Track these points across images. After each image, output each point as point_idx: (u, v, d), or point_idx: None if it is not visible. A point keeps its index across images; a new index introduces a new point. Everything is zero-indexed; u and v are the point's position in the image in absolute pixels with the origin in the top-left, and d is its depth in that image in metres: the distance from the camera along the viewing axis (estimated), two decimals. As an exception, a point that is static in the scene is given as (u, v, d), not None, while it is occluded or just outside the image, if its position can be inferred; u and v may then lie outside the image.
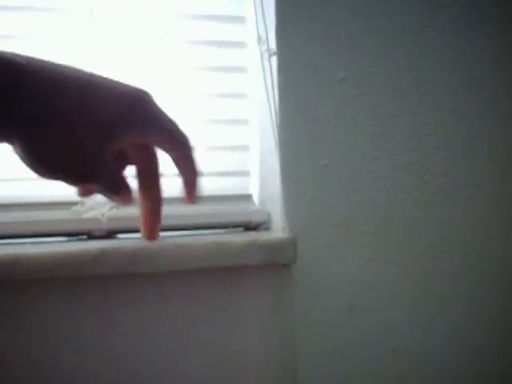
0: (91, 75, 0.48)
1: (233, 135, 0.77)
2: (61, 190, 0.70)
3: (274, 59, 0.71)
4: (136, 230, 0.71)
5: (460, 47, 0.78)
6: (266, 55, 0.72)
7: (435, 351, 0.77)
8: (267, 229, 0.75)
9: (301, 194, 0.71)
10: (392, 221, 0.75)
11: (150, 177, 0.58)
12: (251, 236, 0.68)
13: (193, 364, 0.68)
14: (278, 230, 0.72)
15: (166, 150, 0.55)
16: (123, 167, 0.58)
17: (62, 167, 0.47)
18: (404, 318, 0.76)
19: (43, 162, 0.46)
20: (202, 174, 0.59)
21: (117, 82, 0.50)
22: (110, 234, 0.70)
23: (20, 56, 0.43)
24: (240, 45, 0.76)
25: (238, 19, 0.76)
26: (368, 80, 0.74)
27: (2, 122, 0.42)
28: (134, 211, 0.70)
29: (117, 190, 0.53)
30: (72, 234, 0.69)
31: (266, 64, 0.72)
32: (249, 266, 0.67)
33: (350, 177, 0.73)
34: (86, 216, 0.69)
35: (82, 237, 0.70)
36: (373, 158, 0.74)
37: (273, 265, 0.68)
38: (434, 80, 0.77)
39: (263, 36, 0.72)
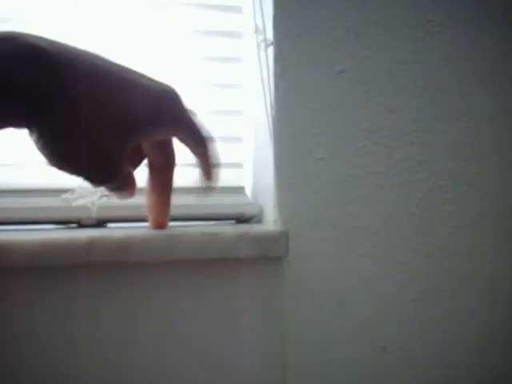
0: (122, 71, 0.45)
1: (226, 126, 0.76)
2: (51, 178, 0.69)
3: (271, 50, 0.70)
4: (126, 219, 0.70)
5: (460, 42, 0.77)
6: (262, 45, 0.71)
7: (426, 348, 0.77)
8: (259, 222, 0.74)
9: (294, 188, 0.71)
10: (386, 216, 0.74)
11: (163, 172, 0.56)
12: (243, 228, 0.67)
13: (181, 354, 0.67)
14: (271, 223, 0.71)
15: (190, 147, 0.55)
16: (137, 162, 0.56)
17: (76, 164, 0.45)
18: (395, 315, 0.75)
19: (58, 156, 0.44)
20: (219, 167, 0.59)
21: (146, 78, 0.48)
22: (100, 223, 0.69)
23: (45, 40, 0.41)
24: (236, 35, 0.75)
25: (235, 9, 0.75)
26: (366, 73, 0.73)
27: (22, 109, 0.40)
28: (124, 200, 0.69)
29: (125, 186, 0.51)
30: (62, 222, 0.68)
31: (263, 55, 0.71)
32: (240, 259, 0.66)
33: (345, 171, 0.73)
34: (75, 204, 0.68)
35: (71, 225, 0.69)
36: (369, 152, 0.73)
37: (264, 258, 0.67)
38: (433, 75, 0.76)
39: (260, 26, 0.71)
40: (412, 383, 0.76)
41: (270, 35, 0.70)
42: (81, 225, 0.68)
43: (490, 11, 0.78)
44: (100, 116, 0.43)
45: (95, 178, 0.47)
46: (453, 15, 0.77)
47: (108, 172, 0.46)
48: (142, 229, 0.67)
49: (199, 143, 0.54)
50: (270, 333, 0.70)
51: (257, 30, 0.71)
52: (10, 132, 0.44)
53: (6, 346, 0.62)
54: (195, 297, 0.67)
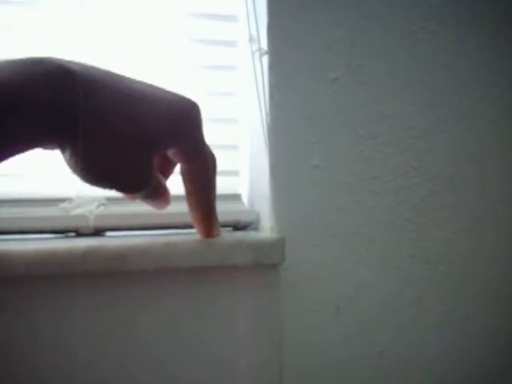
0: (144, 85, 0.49)
1: (222, 134, 0.77)
2: (48, 187, 0.70)
3: (265, 58, 0.71)
4: (124, 228, 0.71)
5: (452, 49, 0.78)
6: (257, 54, 0.71)
7: (423, 353, 0.77)
8: (256, 229, 0.74)
9: (290, 195, 0.71)
10: (382, 222, 0.75)
11: (197, 184, 0.57)
12: (239, 236, 0.68)
13: (180, 363, 0.68)
14: (267, 230, 0.72)
15: (193, 170, 0.56)
16: (168, 171, 0.58)
17: (109, 177, 0.47)
18: (392, 320, 0.75)
19: (92, 171, 0.46)
20: (214, 205, 0.60)
21: (169, 93, 0.51)
22: (98, 232, 0.70)
23: (74, 63, 0.44)
24: (231, 43, 0.76)
25: (230, 18, 0.76)
26: (360, 80, 0.74)
27: (55, 128, 0.42)
28: (121, 209, 0.70)
29: (157, 195, 0.54)
30: (59, 231, 0.69)
31: (257, 63, 0.71)
32: (236, 266, 0.67)
33: (340, 177, 0.73)
34: (73, 213, 0.68)
35: (69, 234, 0.69)
36: (363, 158, 0.74)
37: (261, 265, 0.68)
38: (427, 81, 0.77)
39: (255, 35, 0.72)
40: (409, 387, 0.77)
41: (264, 44, 0.70)
42: (79, 234, 0.69)
43: (481, 21, 0.79)
44: (127, 129, 0.46)
45: (127, 189, 0.50)
46: (446, 22, 0.77)
47: (138, 182, 0.50)
48: (139, 237, 0.67)
49: (204, 166, 0.56)
50: (267, 339, 0.70)
51: (251, 39, 0.72)
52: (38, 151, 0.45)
53: (5, 356, 0.62)
54: (192, 304, 0.68)
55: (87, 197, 0.69)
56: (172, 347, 0.67)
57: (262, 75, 0.71)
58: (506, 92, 0.80)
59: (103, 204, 0.69)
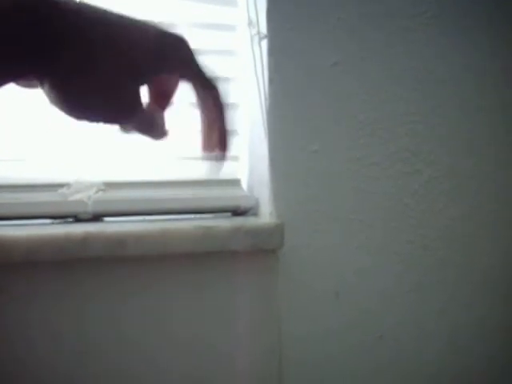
0: (127, 17, 0.48)
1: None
2: (46, 173, 0.70)
3: (265, 43, 0.70)
4: (123, 213, 0.71)
5: (454, 34, 0.77)
6: (256, 39, 0.71)
7: (422, 338, 0.77)
8: (255, 214, 0.74)
9: (289, 180, 0.71)
10: (381, 208, 0.75)
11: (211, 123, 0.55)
12: (238, 221, 0.68)
13: (180, 347, 0.68)
14: (266, 215, 0.71)
15: (197, 92, 0.54)
16: (164, 103, 0.56)
17: (93, 108, 0.46)
18: (391, 305, 0.76)
19: (73, 103, 0.45)
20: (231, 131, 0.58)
21: (153, 24, 0.49)
22: (97, 217, 0.69)
23: None
24: (230, 28, 0.75)
25: (229, 2, 0.75)
26: (360, 65, 0.73)
27: (32, 58, 0.41)
28: (120, 194, 0.70)
29: (151, 127, 0.52)
30: (58, 217, 0.69)
31: (256, 48, 0.71)
32: (235, 251, 0.67)
33: (340, 163, 0.73)
34: (71, 199, 0.68)
35: (68, 219, 0.69)
36: (363, 144, 0.74)
37: (259, 250, 0.68)
38: (428, 67, 0.76)
39: (254, 19, 0.71)
40: (409, 372, 0.77)
41: (263, 28, 0.70)
42: (77, 219, 0.69)
43: (484, 3, 0.78)
44: (106, 56, 0.45)
45: (111, 119, 0.48)
46: (447, 6, 0.77)
47: (122, 110, 0.48)
48: (137, 223, 0.67)
49: (207, 86, 0.53)
50: (266, 323, 0.71)
51: (250, 23, 0.71)
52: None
53: (3, 340, 0.63)
54: (191, 290, 0.68)
55: (86, 182, 0.69)
56: (171, 331, 0.68)
57: (262, 60, 0.70)
58: (507, 79, 0.80)
59: (102, 189, 0.69)
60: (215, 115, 0.54)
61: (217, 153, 0.54)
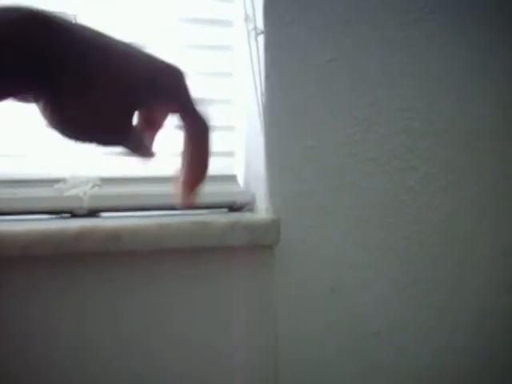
0: (126, 44, 0.48)
1: (218, 115, 0.76)
2: (42, 168, 0.69)
3: (261, 38, 0.70)
4: (118, 209, 0.70)
5: (451, 30, 0.77)
6: (252, 34, 0.71)
7: (419, 334, 0.77)
8: (251, 210, 0.74)
9: (286, 176, 0.71)
10: (377, 204, 0.75)
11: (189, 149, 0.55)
12: (234, 217, 0.68)
13: (176, 342, 0.68)
14: (262, 211, 0.71)
15: (187, 127, 0.54)
16: (154, 128, 0.56)
17: (86, 130, 0.46)
18: (387, 301, 0.76)
19: (67, 122, 0.45)
20: (208, 170, 0.58)
21: (151, 54, 0.50)
22: (93, 213, 0.69)
23: (51, 12, 0.43)
24: (226, 23, 0.75)
25: (226, -3, 0.75)
26: (356, 61, 0.73)
27: (28, 75, 0.42)
28: (116, 190, 0.70)
29: (140, 150, 0.52)
30: (54, 212, 0.69)
31: (253, 43, 0.71)
32: (232, 247, 0.67)
33: (336, 159, 0.73)
34: (67, 194, 0.68)
35: (64, 215, 0.69)
36: (359, 140, 0.74)
37: (256, 246, 0.68)
38: (424, 63, 0.76)
39: (250, 15, 0.71)
40: (405, 368, 0.77)
41: (260, 24, 0.70)
42: (73, 215, 0.69)
43: (482, 2, 0.78)
44: (102, 77, 0.45)
45: (103, 140, 0.48)
46: (444, 2, 0.77)
47: (114, 133, 0.48)
48: (133, 218, 0.67)
49: (198, 124, 0.54)
50: (262, 318, 0.71)
51: (247, 19, 0.71)
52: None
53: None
54: (187, 285, 0.68)
55: (81, 178, 0.69)
56: (167, 327, 0.68)
57: (258, 55, 0.70)
58: (503, 75, 0.80)
59: (98, 185, 0.69)
60: (198, 151, 0.54)
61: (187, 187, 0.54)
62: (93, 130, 0.47)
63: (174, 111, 0.53)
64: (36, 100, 0.45)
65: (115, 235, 0.62)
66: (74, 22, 0.45)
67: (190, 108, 0.53)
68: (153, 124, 0.57)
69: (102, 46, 0.46)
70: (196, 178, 0.57)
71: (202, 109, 0.54)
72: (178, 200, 0.56)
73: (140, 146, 0.54)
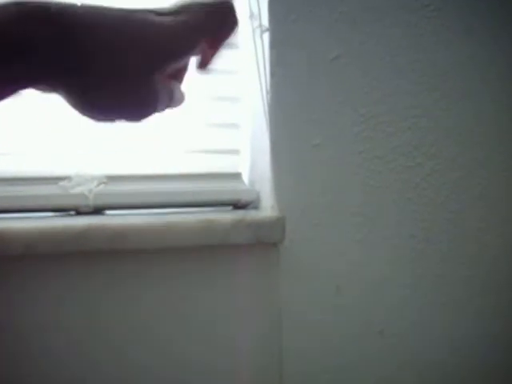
0: (133, 11, 0.47)
1: (223, 113, 0.76)
2: (48, 165, 0.70)
3: (267, 36, 0.70)
4: (124, 207, 0.70)
5: (457, 27, 0.77)
6: (257, 32, 0.70)
7: (423, 333, 0.77)
8: (256, 208, 0.74)
9: (291, 174, 0.71)
10: (383, 202, 0.74)
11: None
12: (239, 215, 0.68)
13: (181, 340, 0.68)
14: (267, 209, 0.71)
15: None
16: (180, 76, 0.56)
17: (118, 108, 0.46)
18: (392, 300, 0.75)
19: (93, 107, 0.45)
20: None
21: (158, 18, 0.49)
22: (98, 211, 0.69)
23: (51, 1, 0.42)
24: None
25: (231, -6, 0.74)
26: (362, 58, 0.73)
27: (44, 72, 0.41)
28: (121, 188, 0.70)
29: (171, 103, 0.52)
30: (59, 210, 0.69)
31: (258, 41, 0.71)
32: (237, 245, 0.67)
33: (342, 157, 0.73)
34: (73, 191, 0.68)
35: (69, 213, 0.69)
36: (365, 138, 0.73)
37: (260, 244, 0.68)
38: (430, 60, 0.76)
39: (256, 12, 0.71)
40: (409, 367, 0.77)
41: (265, 21, 0.69)
42: (78, 212, 0.69)
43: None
44: (119, 59, 0.44)
45: (137, 116, 0.48)
46: (450, 2, 0.76)
47: (147, 105, 0.47)
48: (139, 216, 0.67)
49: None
50: (267, 317, 0.71)
51: (252, 16, 0.71)
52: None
53: (4, 333, 0.63)
54: (192, 283, 0.68)
55: (87, 175, 0.69)
56: (173, 325, 0.67)
57: (263, 53, 0.70)
58: (510, 71, 0.79)
59: (103, 182, 0.69)
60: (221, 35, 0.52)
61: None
62: (122, 112, 0.46)
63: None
64: (55, 91, 0.44)
65: (120, 233, 0.62)
66: (76, 5, 0.44)
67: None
68: (178, 75, 0.55)
69: (112, 26, 0.45)
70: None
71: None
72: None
73: (170, 100, 0.52)
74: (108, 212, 0.70)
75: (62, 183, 0.68)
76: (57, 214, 0.69)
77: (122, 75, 0.46)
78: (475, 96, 0.78)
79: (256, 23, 0.71)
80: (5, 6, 0.40)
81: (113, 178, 0.69)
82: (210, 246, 0.66)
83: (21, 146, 0.68)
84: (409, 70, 0.75)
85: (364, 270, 0.74)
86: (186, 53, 0.50)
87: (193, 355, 0.68)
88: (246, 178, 0.77)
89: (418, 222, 0.76)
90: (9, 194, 0.67)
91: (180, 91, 0.54)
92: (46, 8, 0.42)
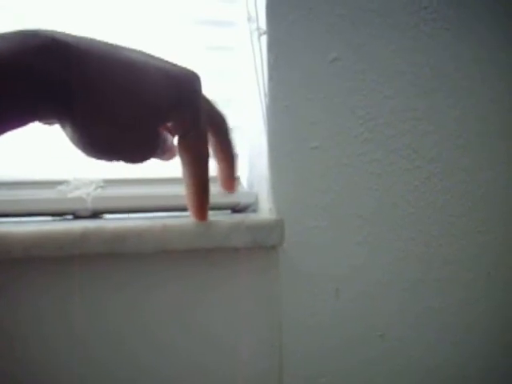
0: (142, 55, 0.49)
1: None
2: (45, 169, 0.69)
3: (264, 38, 0.70)
4: (122, 211, 0.70)
5: (457, 30, 0.77)
6: (255, 34, 0.70)
7: (424, 337, 0.77)
8: (255, 210, 0.74)
9: (289, 176, 0.70)
10: (382, 205, 0.74)
11: (191, 154, 0.57)
12: (238, 217, 0.67)
13: (180, 345, 0.68)
14: (266, 211, 0.71)
15: (211, 133, 0.56)
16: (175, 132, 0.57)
17: (114, 150, 0.47)
18: (392, 303, 0.75)
19: (94, 145, 0.46)
20: (237, 157, 0.60)
21: (168, 63, 0.51)
22: (96, 215, 0.69)
23: (67, 34, 0.43)
24: (229, 23, 0.75)
25: (228, -3, 0.75)
26: (361, 60, 0.73)
27: (50, 100, 0.42)
28: (119, 191, 0.69)
29: (164, 156, 0.54)
30: (57, 214, 0.68)
31: (256, 43, 0.70)
32: (235, 248, 0.66)
33: (340, 159, 0.72)
34: (71, 196, 0.68)
35: (67, 217, 0.69)
36: (364, 140, 0.73)
37: (259, 247, 0.67)
38: (429, 62, 0.76)
39: (253, 15, 0.71)
40: (410, 371, 0.76)
41: (262, 24, 0.69)
42: (76, 216, 0.68)
43: (487, 1, 0.77)
44: (127, 101, 0.45)
45: (134, 159, 0.49)
46: (449, 1, 0.76)
47: (145, 150, 0.49)
48: (137, 220, 0.67)
49: (218, 127, 0.55)
50: (267, 321, 0.70)
51: (250, 19, 0.71)
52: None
53: (4, 338, 0.62)
54: (192, 286, 0.67)
55: (85, 179, 0.68)
56: (171, 329, 0.67)
57: (261, 55, 0.70)
58: (508, 72, 0.79)
59: (101, 186, 0.69)
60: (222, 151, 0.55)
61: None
62: (122, 152, 0.48)
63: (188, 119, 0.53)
64: (61, 124, 0.45)
65: (119, 237, 0.61)
66: (89, 39, 0.45)
67: (199, 115, 0.53)
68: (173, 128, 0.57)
69: (122, 68, 0.45)
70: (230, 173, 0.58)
71: (217, 107, 0.54)
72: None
73: (165, 152, 0.54)
74: (106, 216, 0.70)
75: (60, 187, 0.68)
76: (55, 218, 0.68)
77: (132, 118, 0.46)
78: (475, 98, 0.78)
79: (254, 26, 0.71)
80: (24, 36, 0.40)
81: (110, 182, 0.69)
82: (208, 249, 0.66)
83: (18, 150, 0.68)
84: (407, 73, 0.75)
85: (363, 273, 0.73)
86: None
87: (191, 358, 0.68)
88: (244, 180, 0.77)
89: (417, 224, 0.76)
90: (6, 198, 0.66)
91: (173, 144, 0.56)
92: (64, 40, 0.41)
